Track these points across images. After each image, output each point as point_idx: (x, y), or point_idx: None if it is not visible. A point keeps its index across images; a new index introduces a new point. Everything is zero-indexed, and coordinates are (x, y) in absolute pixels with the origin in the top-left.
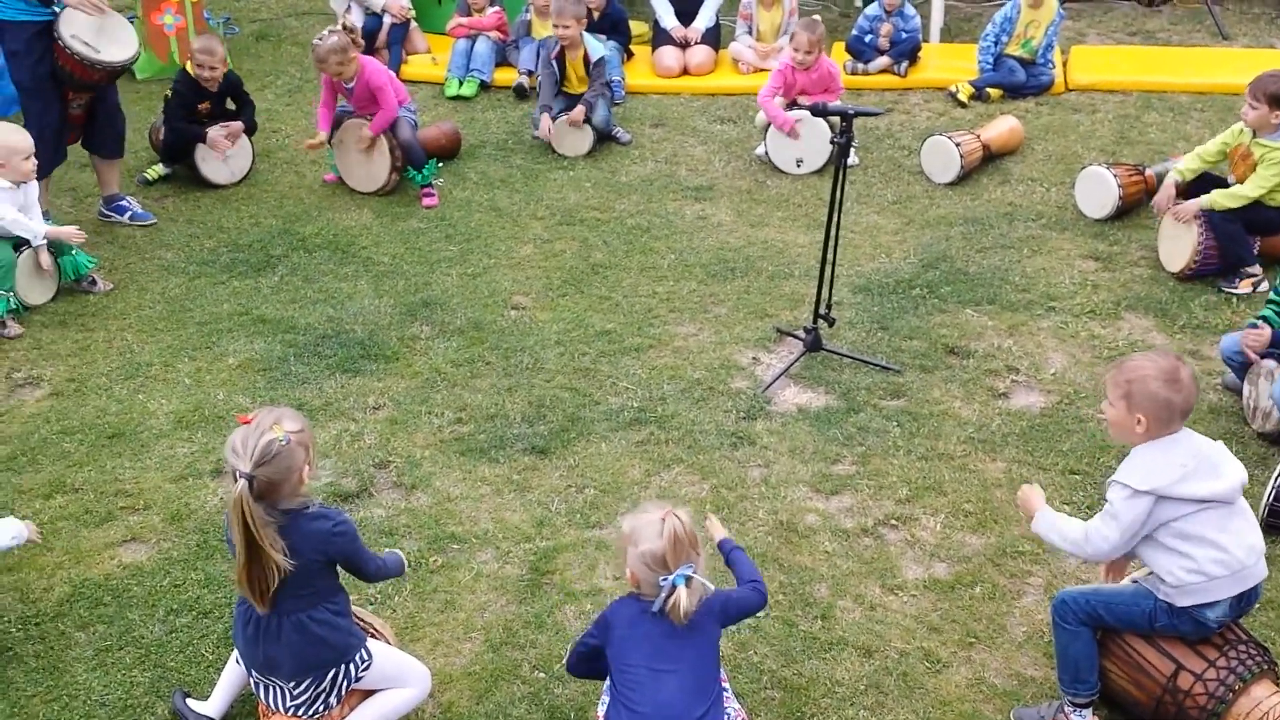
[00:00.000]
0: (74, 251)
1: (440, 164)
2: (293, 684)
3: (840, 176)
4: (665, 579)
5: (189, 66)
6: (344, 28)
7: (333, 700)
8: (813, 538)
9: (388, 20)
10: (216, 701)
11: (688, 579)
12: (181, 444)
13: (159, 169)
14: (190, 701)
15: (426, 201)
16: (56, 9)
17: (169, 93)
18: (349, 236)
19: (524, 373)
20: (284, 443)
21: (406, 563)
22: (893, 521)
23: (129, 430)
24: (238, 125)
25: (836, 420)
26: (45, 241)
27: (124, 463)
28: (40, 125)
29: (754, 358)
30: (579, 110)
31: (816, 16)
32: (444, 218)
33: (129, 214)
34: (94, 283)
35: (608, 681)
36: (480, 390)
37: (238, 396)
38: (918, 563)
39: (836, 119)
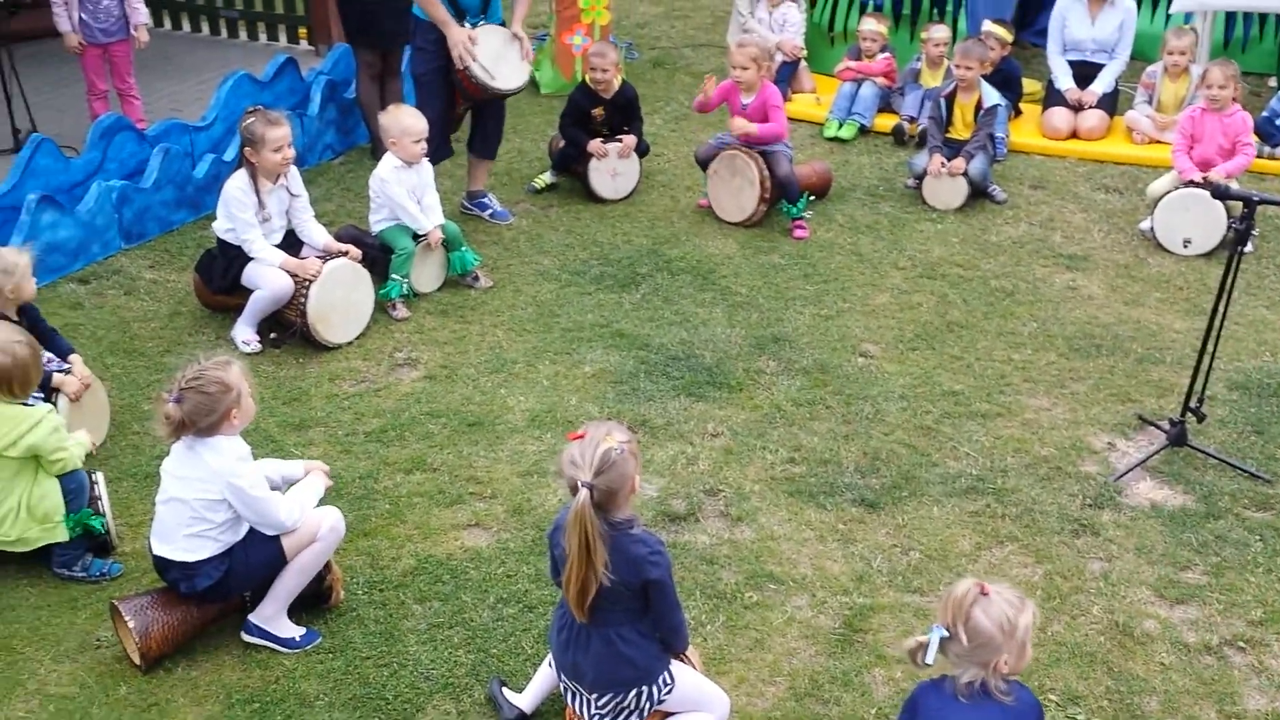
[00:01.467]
0: (464, 248)
1: (812, 198)
2: (595, 695)
3: (1234, 263)
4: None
5: (586, 78)
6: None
7: (635, 718)
8: (1149, 645)
9: (779, 58)
10: (529, 696)
11: (941, 640)
12: (532, 441)
13: (546, 177)
14: (506, 691)
15: (798, 234)
16: (468, 24)
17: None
18: (711, 264)
19: (863, 422)
20: (619, 452)
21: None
22: (1241, 643)
23: (487, 421)
24: (630, 139)
25: (1193, 524)
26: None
27: (479, 451)
28: (426, 117)
29: (1109, 443)
30: (959, 161)
31: (1230, 59)
32: (805, 256)
33: (489, 211)
34: (477, 279)
35: None
36: (817, 433)
37: (588, 404)
38: (1262, 692)
39: (1237, 203)
